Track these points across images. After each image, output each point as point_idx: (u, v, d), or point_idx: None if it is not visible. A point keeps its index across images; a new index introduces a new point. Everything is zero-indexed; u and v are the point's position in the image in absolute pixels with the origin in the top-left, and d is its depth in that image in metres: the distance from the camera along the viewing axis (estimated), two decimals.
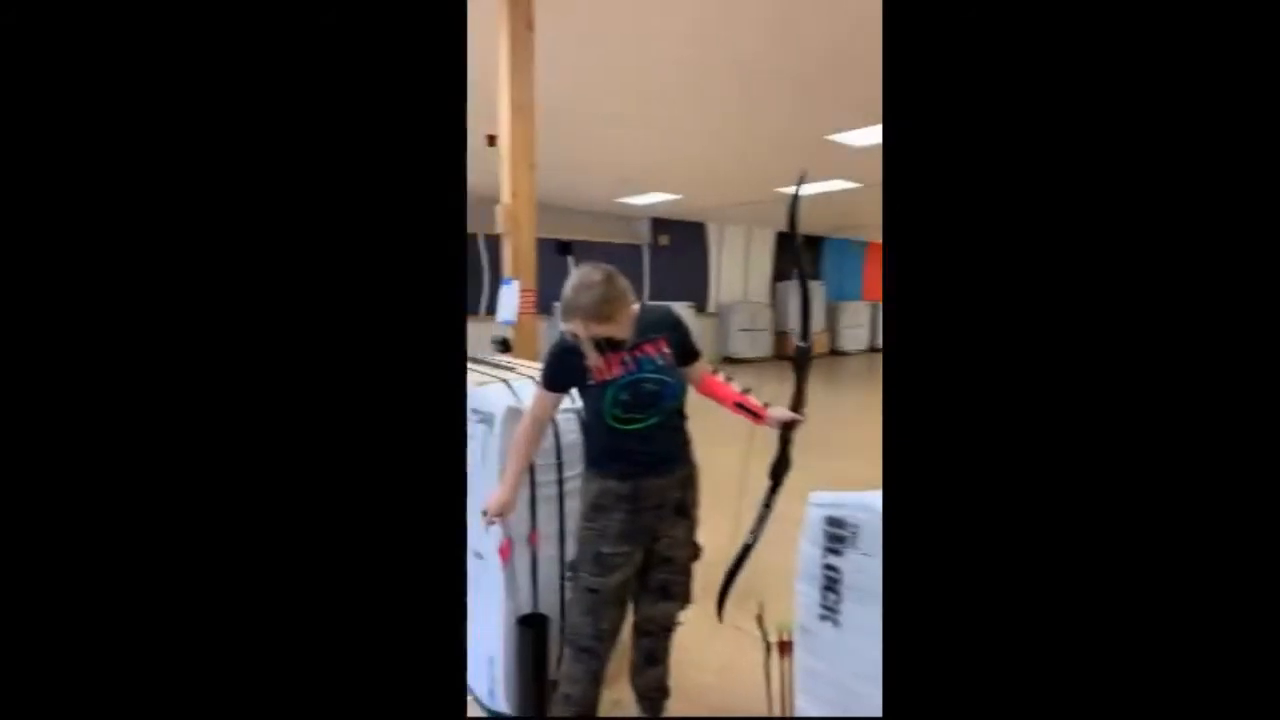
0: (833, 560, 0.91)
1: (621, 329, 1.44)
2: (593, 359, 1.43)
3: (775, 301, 10.77)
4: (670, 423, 1.55)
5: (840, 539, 0.90)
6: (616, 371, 1.48)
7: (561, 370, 1.52)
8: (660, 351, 1.53)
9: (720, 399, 1.63)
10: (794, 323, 10.29)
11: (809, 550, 0.94)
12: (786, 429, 1.52)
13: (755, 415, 1.56)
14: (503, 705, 1.86)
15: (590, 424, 1.57)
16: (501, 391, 1.85)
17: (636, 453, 1.50)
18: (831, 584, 0.92)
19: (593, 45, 3.25)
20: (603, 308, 1.38)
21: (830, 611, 0.92)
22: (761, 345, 10.14)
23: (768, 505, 1.51)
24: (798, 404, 1.50)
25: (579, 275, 1.42)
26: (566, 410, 1.89)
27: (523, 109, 2.57)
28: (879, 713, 0.88)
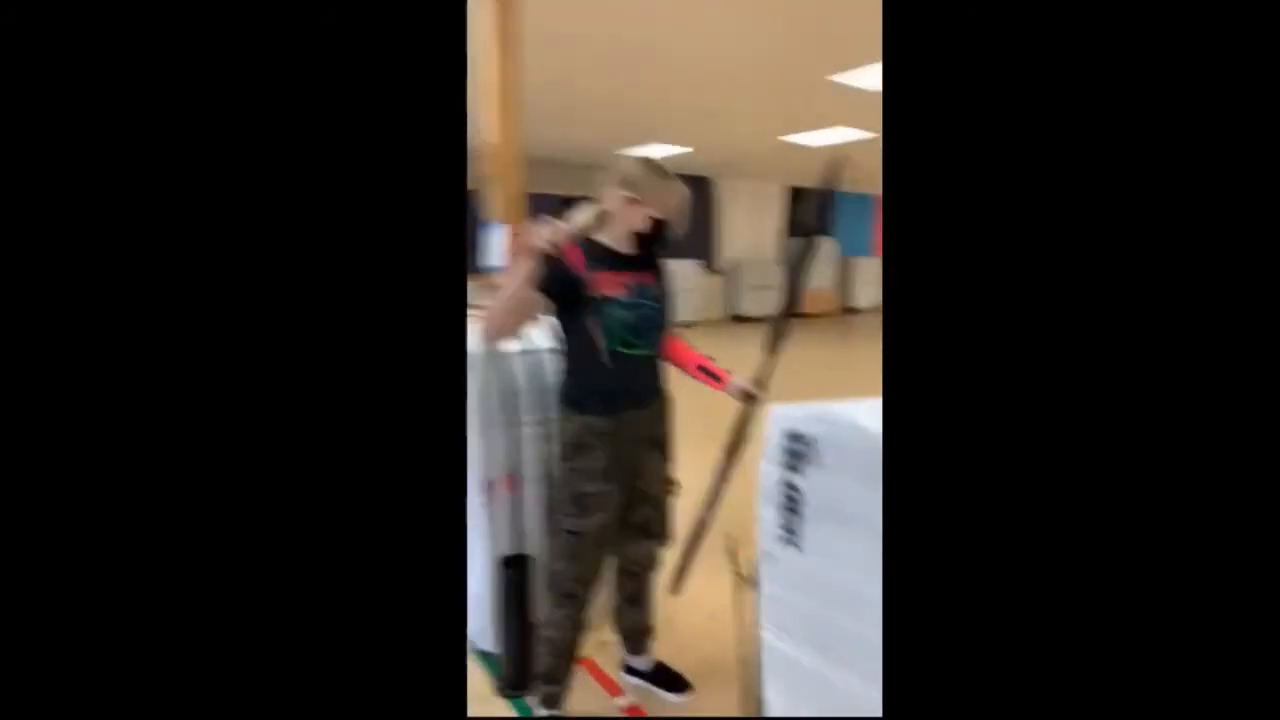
0: (793, 479, 0.85)
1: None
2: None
3: (786, 257, 10.57)
4: (656, 357, 1.51)
5: (800, 455, 0.84)
6: (619, 292, 1.40)
7: (553, 275, 1.34)
8: (655, 284, 1.49)
9: (682, 363, 1.60)
10: (810, 280, 10.14)
11: (768, 469, 0.88)
12: (746, 401, 1.44)
13: (716, 379, 1.53)
14: (490, 645, 1.86)
15: (578, 355, 1.44)
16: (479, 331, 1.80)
17: (621, 386, 1.44)
18: (792, 504, 0.86)
19: None
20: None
21: (791, 534, 0.87)
22: (772, 303, 9.97)
23: (722, 480, 1.43)
24: (762, 381, 1.42)
25: (629, 161, 1.42)
26: (553, 349, 1.84)
27: (510, 41, 2.44)
28: (841, 640, 0.84)
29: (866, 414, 0.84)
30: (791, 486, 0.85)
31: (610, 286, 1.38)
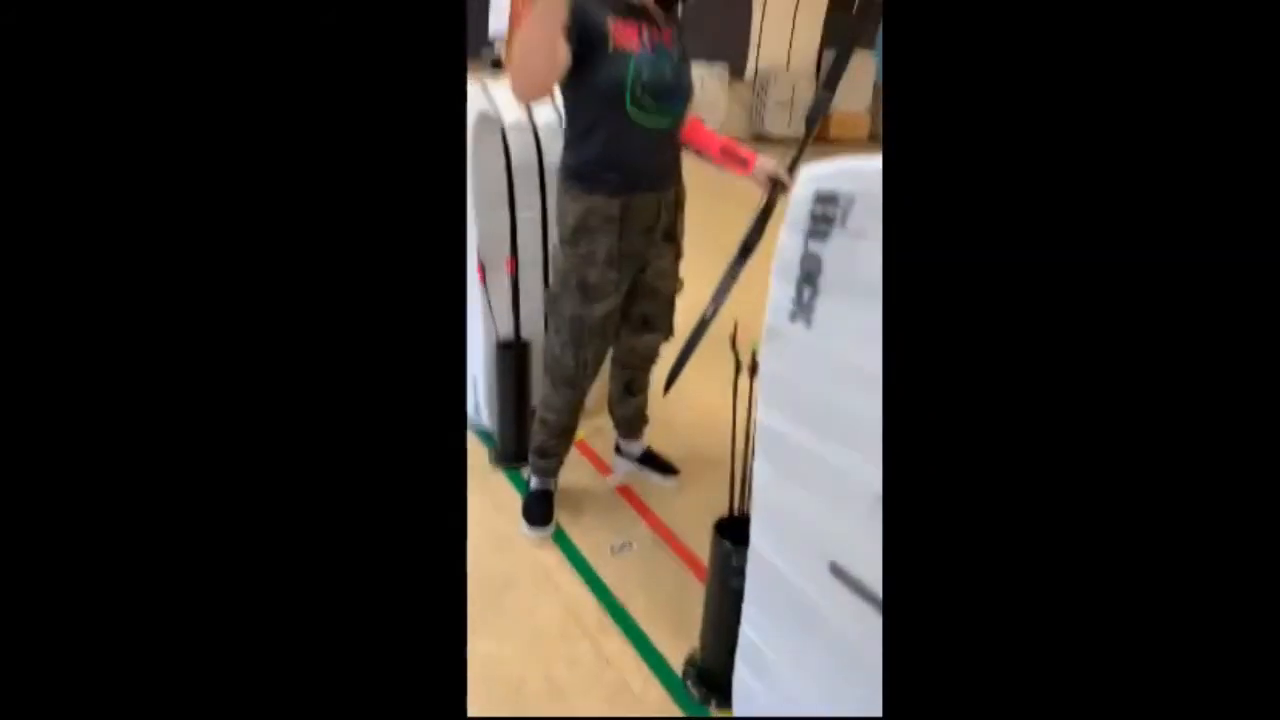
0: (815, 247, 0.77)
1: None
2: None
3: (820, 73, 9.62)
4: (675, 131, 1.36)
5: (828, 219, 0.75)
6: (634, 46, 1.21)
7: (572, 15, 1.12)
8: (677, 44, 1.31)
9: (703, 145, 1.44)
10: (842, 102, 9.10)
11: (789, 239, 0.80)
12: (773, 191, 1.31)
13: (743, 164, 1.39)
14: (485, 421, 1.92)
15: (588, 120, 1.27)
16: (474, 94, 1.62)
17: (635, 162, 1.30)
18: (809, 276, 0.79)
19: None
20: None
21: (803, 310, 0.81)
22: (800, 123, 9.26)
23: (732, 276, 1.33)
24: (793, 167, 1.28)
25: None
26: (548, 125, 1.68)
27: None
28: (837, 418, 0.83)
29: None
30: (812, 256, 0.78)
31: (626, 38, 1.20)
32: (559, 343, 1.47)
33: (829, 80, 1.33)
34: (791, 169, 1.30)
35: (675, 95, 1.28)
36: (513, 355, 1.75)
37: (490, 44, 2.46)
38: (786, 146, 1.34)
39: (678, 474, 1.82)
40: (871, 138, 10.26)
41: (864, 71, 9.35)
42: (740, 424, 1.17)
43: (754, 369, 1.08)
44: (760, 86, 9.10)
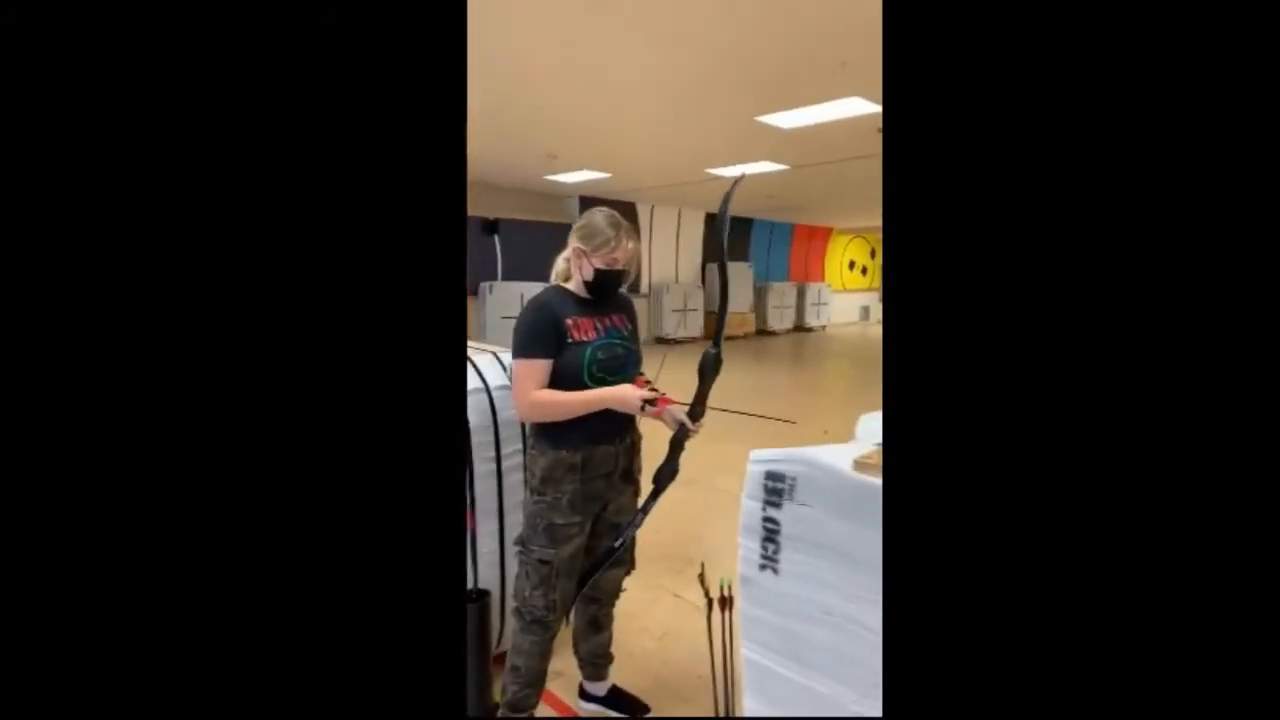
0: (771, 513, 0.96)
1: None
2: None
3: (706, 282, 10.95)
4: None
5: (778, 492, 0.95)
6: (591, 335, 1.50)
7: (546, 327, 1.44)
8: (624, 324, 1.59)
9: None
10: (730, 303, 10.33)
11: (749, 504, 0.99)
12: (678, 434, 1.48)
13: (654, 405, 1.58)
14: None
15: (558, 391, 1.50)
16: None
17: (593, 423, 1.51)
18: (771, 535, 0.97)
19: (520, 13, 3.18)
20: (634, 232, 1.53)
21: (770, 561, 0.97)
22: (693, 326, 10.34)
23: (644, 510, 1.51)
24: (695, 413, 1.46)
25: (593, 213, 1.53)
26: (502, 387, 1.89)
27: None
28: (816, 651, 0.96)
29: (836, 456, 0.96)
30: (770, 520, 0.96)
31: (584, 331, 1.48)
32: (529, 585, 1.54)
33: (715, 339, 1.50)
34: (693, 414, 1.49)
35: (625, 366, 1.54)
36: (476, 607, 1.77)
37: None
38: (683, 346, 1.51)
39: (648, 711, 1.81)
40: (759, 332, 11.49)
41: (744, 279, 10.74)
42: (718, 655, 1.26)
43: (725, 602, 1.21)
44: (656, 299, 10.17)
